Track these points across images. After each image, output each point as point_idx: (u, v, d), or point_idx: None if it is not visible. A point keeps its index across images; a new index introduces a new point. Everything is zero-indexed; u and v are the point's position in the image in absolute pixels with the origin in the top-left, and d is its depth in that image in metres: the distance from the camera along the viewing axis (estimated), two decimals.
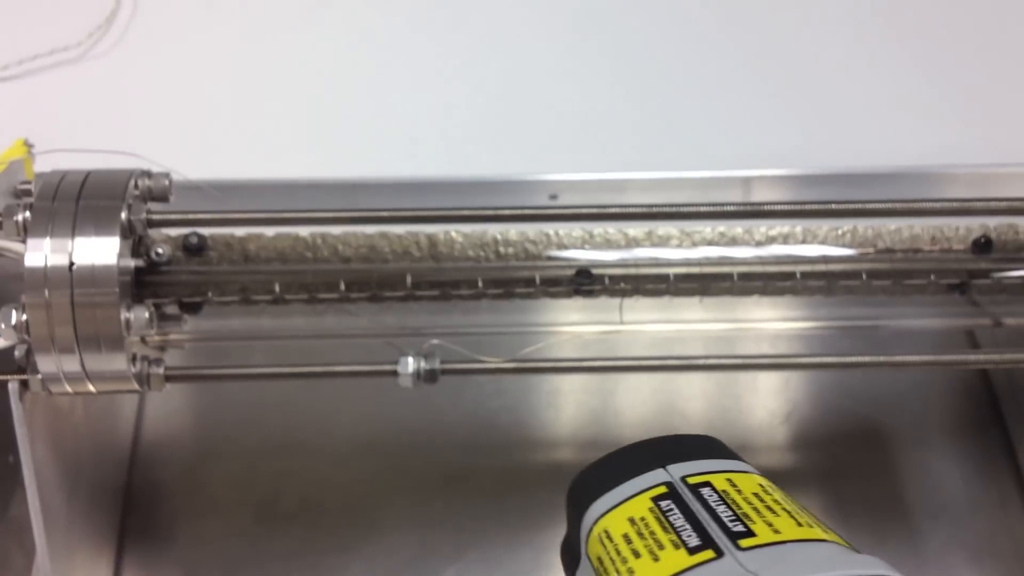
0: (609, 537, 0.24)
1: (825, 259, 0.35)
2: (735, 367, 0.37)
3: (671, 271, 0.35)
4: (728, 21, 0.58)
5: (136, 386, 0.32)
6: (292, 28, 0.57)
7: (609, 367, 0.36)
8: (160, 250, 0.33)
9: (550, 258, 0.35)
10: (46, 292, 0.30)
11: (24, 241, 0.30)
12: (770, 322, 0.41)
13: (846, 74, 0.56)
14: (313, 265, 0.35)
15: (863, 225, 0.36)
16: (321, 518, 0.42)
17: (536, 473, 0.43)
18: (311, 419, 0.44)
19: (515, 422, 0.44)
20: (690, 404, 0.45)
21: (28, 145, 0.38)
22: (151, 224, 0.32)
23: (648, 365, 0.35)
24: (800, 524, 0.23)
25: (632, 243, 0.35)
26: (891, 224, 0.36)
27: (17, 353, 0.31)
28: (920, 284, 0.35)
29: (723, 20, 0.58)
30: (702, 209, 0.33)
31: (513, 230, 0.35)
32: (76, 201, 0.31)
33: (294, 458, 0.43)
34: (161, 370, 0.33)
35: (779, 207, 0.34)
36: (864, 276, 0.35)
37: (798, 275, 0.35)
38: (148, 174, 0.33)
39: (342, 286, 0.34)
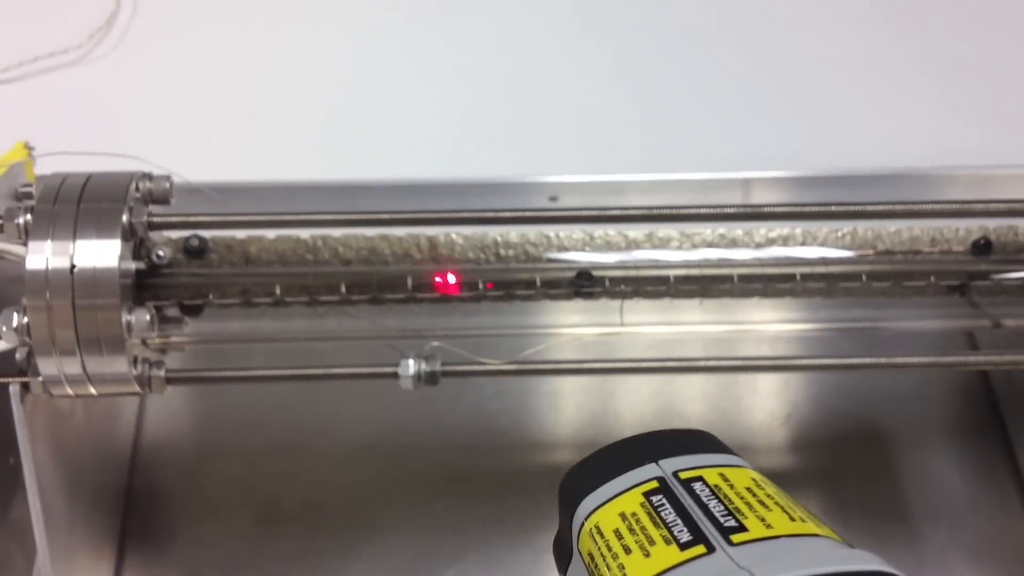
0: (600, 533, 0.24)
1: (825, 261, 0.35)
2: (735, 369, 0.37)
3: (671, 273, 0.35)
4: (728, 22, 0.58)
5: (137, 388, 0.32)
6: (292, 29, 0.57)
7: (609, 369, 0.36)
8: (161, 252, 0.33)
9: (550, 260, 0.35)
10: (47, 295, 0.30)
11: (25, 244, 0.30)
12: (770, 323, 0.41)
13: (847, 76, 0.56)
14: (314, 267, 0.35)
15: (863, 227, 0.36)
16: (321, 520, 0.42)
17: (536, 475, 0.43)
18: (312, 421, 0.44)
19: (515, 424, 0.44)
20: (690, 406, 0.45)
21: (28, 148, 0.38)
22: (152, 227, 0.32)
23: (648, 367, 0.35)
24: (793, 519, 0.23)
25: (632, 245, 0.35)
26: (891, 226, 0.36)
27: (18, 356, 0.31)
28: (920, 286, 0.35)
29: (723, 21, 0.58)
30: (702, 211, 0.33)
31: (513, 232, 0.35)
32: (77, 204, 0.31)
33: (295, 460, 0.43)
34: (162, 372, 0.33)
35: (779, 209, 0.34)
36: (864, 278, 0.35)
37: (798, 277, 0.35)
38: (149, 177, 0.33)
39: (343, 288, 0.34)
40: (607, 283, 0.35)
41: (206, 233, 0.35)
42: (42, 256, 0.30)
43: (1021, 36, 0.57)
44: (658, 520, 0.23)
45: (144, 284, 0.33)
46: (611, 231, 0.36)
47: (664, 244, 0.35)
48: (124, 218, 0.31)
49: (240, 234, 0.35)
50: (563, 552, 0.26)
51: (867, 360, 0.34)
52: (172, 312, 0.35)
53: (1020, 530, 0.42)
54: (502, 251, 0.35)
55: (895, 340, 0.42)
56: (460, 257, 0.35)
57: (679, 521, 0.23)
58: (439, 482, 0.43)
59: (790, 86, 0.55)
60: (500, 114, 0.54)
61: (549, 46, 0.57)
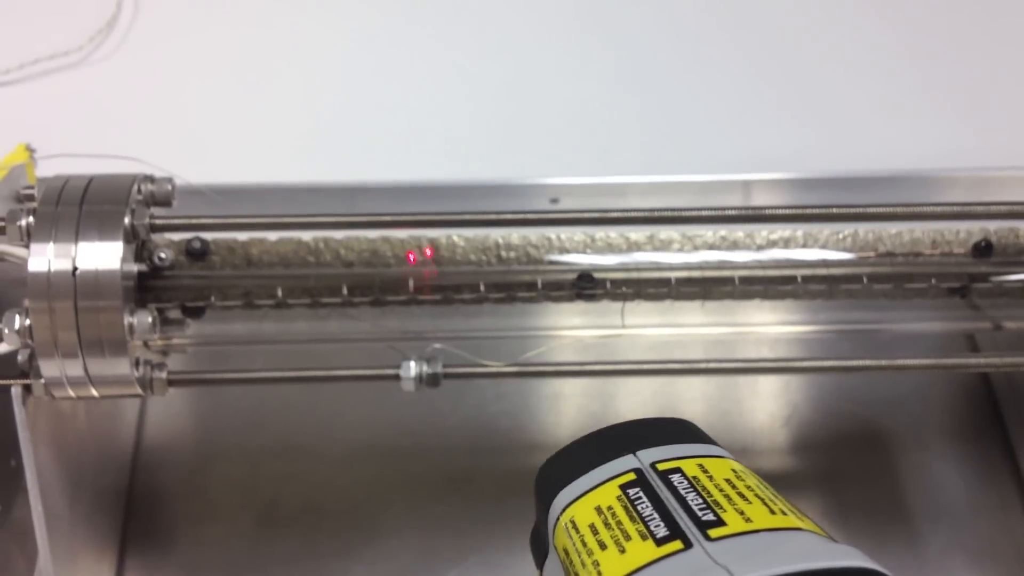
0: (575, 527, 0.23)
1: (826, 263, 0.35)
2: (735, 371, 0.37)
3: (672, 275, 0.35)
4: (727, 24, 0.58)
5: (139, 390, 0.32)
6: (293, 31, 0.57)
7: (610, 371, 0.36)
8: (163, 255, 0.33)
9: (552, 262, 0.35)
10: (49, 297, 0.30)
11: (27, 246, 0.30)
12: (770, 326, 0.41)
13: (847, 78, 0.56)
14: (315, 269, 0.35)
15: (864, 229, 0.36)
16: (322, 522, 0.42)
17: None
18: (312, 423, 0.44)
19: (516, 426, 0.44)
20: (691, 407, 0.45)
21: (30, 150, 0.38)
22: (154, 229, 0.32)
23: (649, 369, 0.35)
24: (773, 512, 0.22)
25: (634, 247, 0.36)
26: (892, 228, 0.36)
27: (20, 358, 0.31)
28: (921, 288, 0.35)
29: (722, 23, 0.58)
30: (704, 213, 0.33)
31: (515, 234, 0.35)
32: (79, 206, 0.31)
33: (296, 462, 0.43)
34: (164, 374, 0.33)
35: (780, 211, 0.34)
36: (865, 280, 0.35)
37: (799, 279, 0.35)
38: (151, 179, 0.33)
39: (344, 290, 0.34)
40: (608, 285, 0.35)
41: (208, 235, 0.35)
42: (44, 258, 0.30)
43: (1021, 38, 0.57)
44: (634, 514, 0.22)
45: (146, 286, 0.33)
46: (612, 233, 0.36)
47: (665, 246, 0.35)
48: (126, 220, 0.31)
49: (242, 236, 0.35)
50: (539, 547, 0.25)
51: (868, 362, 0.34)
52: (174, 314, 0.35)
53: (1021, 532, 0.42)
54: (503, 253, 0.35)
55: (896, 342, 0.42)
56: (463, 259, 0.35)
57: (656, 515, 0.22)
58: (440, 484, 0.43)
59: (790, 88, 0.55)
60: (501, 115, 0.54)
61: (550, 47, 0.57)
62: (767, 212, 0.34)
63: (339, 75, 0.55)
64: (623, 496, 0.23)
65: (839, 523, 0.41)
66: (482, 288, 0.34)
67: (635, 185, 0.45)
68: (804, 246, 0.36)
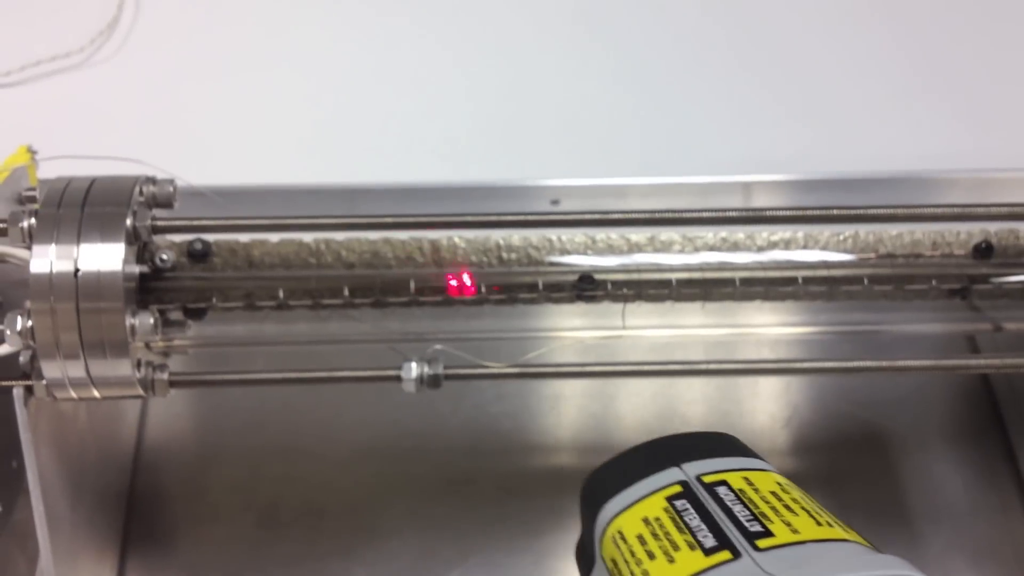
0: (623, 538, 0.23)
1: (826, 264, 0.35)
2: (736, 372, 0.37)
3: (673, 276, 0.35)
4: (725, 24, 0.58)
5: (141, 391, 0.32)
6: (294, 33, 0.57)
7: (610, 372, 0.36)
8: (164, 256, 0.34)
9: (552, 263, 0.35)
10: (51, 298, 0.30)
11: (29, 247, 0.30)
12: (771, 327, 0.41)
13: (846, 80, 0.56)
14: (317, 271, 0.35)
15: (864, 230, 0.36)
16: (323, 523, 0.42)
17: (538, 478, 0.43)
18: (313, 424, 0.44)
19: (517, 427, 0.45)
20: (691, 408, 0.45)
21: (31, 151, 0.38)
22: (156, 230, 0.32)
23: (649, 370, 0.35)
24: (819, 523, 0.22)
25: (634, 248, 0.36)
26: (892, 229, 0.36)
27: (22, 359, 0.31)
28: (921, 289, 0.35)
29: (721, 23, 0.58)
30: (704, 214, 0.33)
31: (516, 235, 0.35)
32: (81, 208, 0.31)
33: (296, 463, 0.43)
34: (165, 375, 0.33)
35: (781, 212, 0.34)
36: (865, 281, 0.35)
37: (800, 280, 0.35)
38: (153, 180, 0.33)
39: (346, 291, 0.34)
40: (609, 286, 0.35)
41: (209, 237, 0.35)
42: (46, 260, 0.30)
43: (1021, 40, 0.58)
44: (682, 525, 0.23)
45: (148, 288, 0.33)
46: (613, 234, 0.36)
47: (666, 247, 0.36)
48: (128, 222, 0.31)
49: (243, 238, 0.35)
50: (585, 558, 0.25)
51: (868, 363, 0.34)
52: (175, 315, 0.35)
53: (1021, 533, 0.42)
54: (504, 254, 0.35)
55: (897, 344, 0.42)
56: (464, 260, 0.35)
57: (703, 526, 0.22)
58: (440, 485, 0.43)
59: (789, 89, 0.55)
60: (500, 116, 0.54)
61: (549, 49, 0.57)
62: (767, 214, 0.34)
63: (340, 76, 0.56)
64: (670, 508, 0.23)
65: None
66: (483, 289, 0.34)
67: (635, 187, 0.45)
68: (805, 247, 0.36)
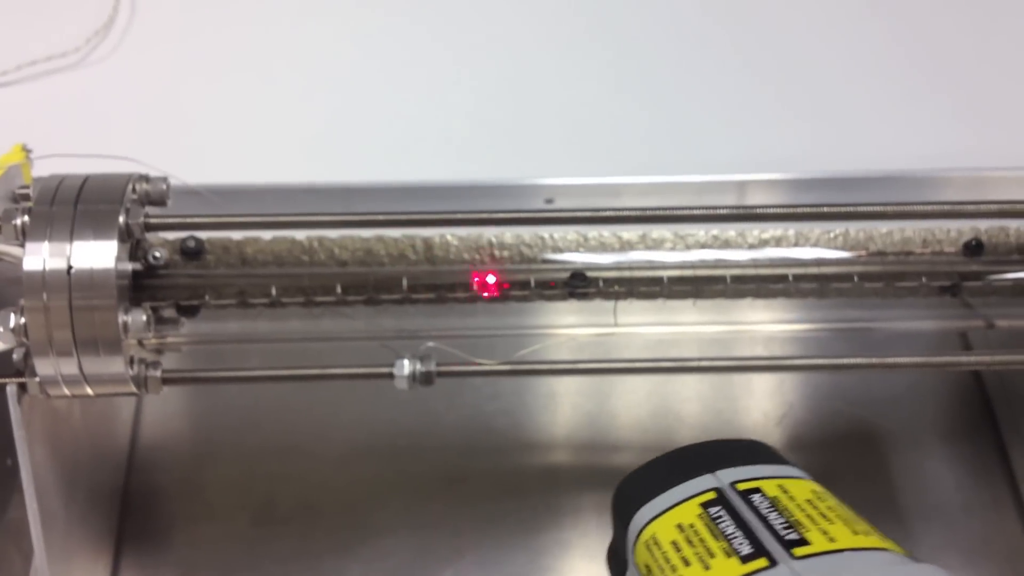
0: (657, 544, 0.23)
1: (817, 262, 0.35)
2: (729, 369, 0.37)
3: (665, 274, 0.35)
4: (724, 24, 0.58)
5: (134, 389, 0.32)
6: (290, 32, 0.57)
7: (604, 369, 0.36)
8: (157, 254, 0.34)
9: (545, 261, 0.35)
10: (44, 296, 0.30)
11: (23, 245, 0.30)
12: (764, 324, 0.41)
13: (843, 79, 0.56)
14: (310, 268, 0.35)
15: (855, 228, 0.36)
16: (318, 521, 0.42)
17: (532, 476, 0.43)
18: (308, 422, 0.45)
19: (511, 425, 0.45)
20: (685, 406, 0.45)
21: (26, 150, 0.38)
22: (149, 228, 0.32)
23: (643, 367, 0.35)
24: (856, 532, 0.22)
25: (626, 246, 0.36)
26: (883, 227, 0.36)
27: (15, 356, 0.31)
28: (911, 286, 0.35)
29: (720, 23, 0.58)
30: (695, 212, 0.33)
31: (508, 233, 0.35)
32: (74, 205, 0.31)
33: (291, 461, 0.43)
34: (158, 373, 0.33)
35: (772, 210, 0.34)
36: (856, 278, 0.35)
37: (791, 278, 0.35)
38: (146, 178, 0.33)
39: (339, 289, 0.34)
40: (601, 284, 0.35)
41: (202, 234, 0.35)
42: (39, 257, 0.30)
43: (1014, 38, 0.58)
44: (717, 532, 0.23)
45: (141, 285, 0.33)
46: (605, 232, 0.36)
47: (658, 245, 0.36)
48: (121, 219, 0.31)
49: (236, 235, 0.35)
50: (618, 563, 0.25)
51: (859, 360, 0.34)
52: (168, 313, 0.35)
53: (1013, 531, 0.42)
54: (497, 252, 0.35)
55: (890, 342, 0.42)
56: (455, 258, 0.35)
57: (739, 533, 0.22)
58: (436, 483, 0.43)
59: (788, 89, 0.55)
60: (499, 116, 0.54)
61: (549, 48, 0.57)
62: (758, 211, 0.34)
63: (336, 75, 0.56)
64: (704, 514, 0.24)
65: None
66: (475, 287, 0.34)
67: (630, 186, 0.45)
68: (796, 245, 0.36)
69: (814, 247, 0.36)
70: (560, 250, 0.36)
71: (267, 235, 0.35)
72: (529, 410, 0.45)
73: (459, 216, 0.33)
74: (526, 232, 0.36)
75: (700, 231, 0.36)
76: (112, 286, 0.30)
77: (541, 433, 0.45)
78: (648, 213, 0.33)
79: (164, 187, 0.33)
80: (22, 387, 0.32)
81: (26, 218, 0.30)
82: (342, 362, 0.34)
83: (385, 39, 0.57)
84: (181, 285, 0.34)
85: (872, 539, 0.22)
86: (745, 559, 0.22)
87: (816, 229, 0.36)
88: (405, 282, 0.34)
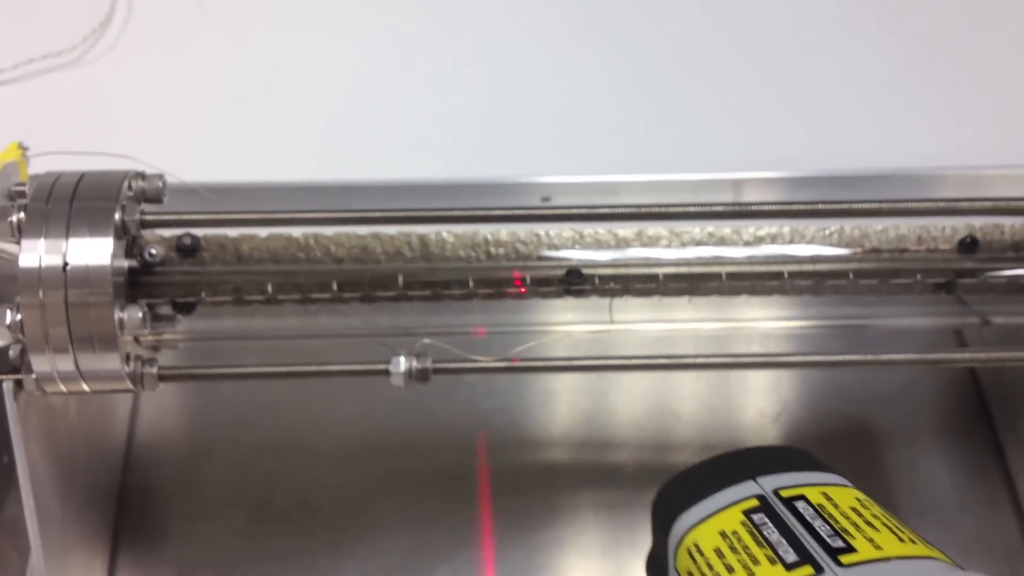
0: (700, 551, 0.23)
1: (813, 259, 0.35)
2: (724, 365, 0.37)
3: (660, 271, 0.35)
4: (722, 23, 0.58)
5: (130, 385, 0.32)
6: (287, 31, 0.58)
7: (600, 366, 0.36)
8: (154, 251, 0.34)
9: (541, 258, 0.35)
10: (40, 292, 0.30)
11: (19, 242, 0.30)
12: (760, 321, 0.41)
13: (840, 78, 0.56)
14: (306, 265, 0.35)
15: (850, 225, 0.36)
16: (314, 518, 0.42)
17: (528, 473, 0.43)
18: (304, 420, 0.45)
19: (508, 422, 0.45)
20: (682, 404, 0.45)
21: (22, 148, 0.38)
22: (145, 225, 0.32)
23: (639, 364, 0.35)
24: (903, 540, 0.22)
25: (622, 243, 0.36)
26: (878, 224, 0.36)
27: (12, 353, 0.32)
28: (906, 283, 0.35)
29: (717, 22, 0.58)
30: (691, 209, 0.33)
31: (504, 231, 0.36)
32: (70, 202, 0.31)
33: (287, 459, 0.44)
34: (154, 370, 0.33)
35: (767, 207, 0.34)
36: (851, 275, 0.35)
37: (786, 275, 0.35)
38: (142, 176, 0.33)
39: (335, 286, 0.34)
40: (597, 281, 0.35)
41: (198, 231, 0.35)
42: (35, 254, 0.30)
43: (1010, 36, 0.58)
44: (761, 539, 0.22)
45: (136, 282, 0.33)
46: (601, 230, 0.36)
47: (653, 242, 0.36)
48: (117, 216, 0.31)
49: (232, 232, 0.35)
50: (658, 569, 0.25)
51: (854, 357, 0.34)
52: (164, 310, 0.35)
53: (1008, 528, 0.42)
54: (492, 249, 0.35)
55: (884, 338, 0.42)
56: (451, 255, 0.35)
57: (784, 541, 0.22)
58: (431, 480, 0.43)
59: (787, 89, 0.55)
60: (497, 116, 0.54)
61: (547, 47, 0.57)
62: (754, 208, 0.34)
63: (334, 74, 0.56)
64: (748, 521, 0.23)
65: None
66: (471, 284, 0.34)
67: (627, 184, 0.45)
68: (791, 242, 0.36)
69: (809, 244, 0.36)
70: (556, 247, 0.36)
71: (263, 232, 0.35)
72: (526, 408, 0.45)
73: (455, 213, 0.33)
74: (522, 229, 0.36)
75: (696, 228, 0.36)
76: (108, 283, 0.30)
77: (538, 431, 0.45)
78: (644, 210, 0.33)
79: (160, 184, 0.33)
80: (18, 384, 0.32)
81: (22, 215, 0.31)
82: (338, 359, 0.34)
83: (384, 38, 0.57)
84: (177, 282, 0.34)
85: (919, 547, 0.22)
86: (790, 567, 0.21)
87: (811, 226, 0.36)
88: (401, 279, 0.34)
